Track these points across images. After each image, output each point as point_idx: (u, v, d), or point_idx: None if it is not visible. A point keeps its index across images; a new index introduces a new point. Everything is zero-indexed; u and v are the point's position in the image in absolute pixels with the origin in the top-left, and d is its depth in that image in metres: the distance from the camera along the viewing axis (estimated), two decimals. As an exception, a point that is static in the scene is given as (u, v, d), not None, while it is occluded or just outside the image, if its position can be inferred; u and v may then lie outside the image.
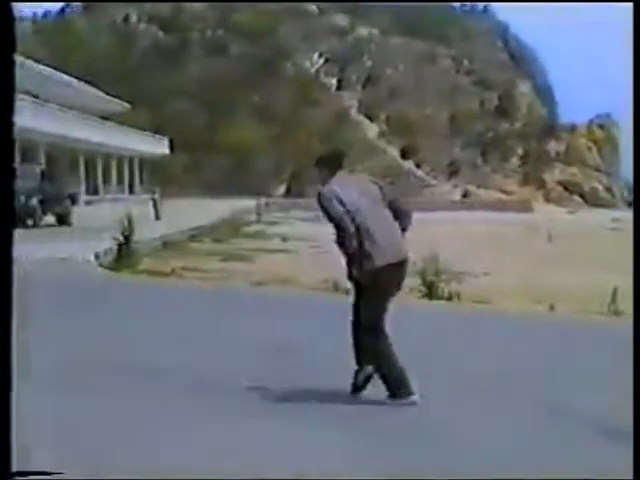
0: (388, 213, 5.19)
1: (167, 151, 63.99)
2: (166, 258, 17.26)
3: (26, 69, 40.12)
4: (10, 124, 3.18)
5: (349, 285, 5.72)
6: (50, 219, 27.66)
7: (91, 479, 3.91)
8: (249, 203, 47.66)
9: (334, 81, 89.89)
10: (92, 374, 6.07)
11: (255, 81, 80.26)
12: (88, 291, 11.28)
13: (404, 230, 5.28)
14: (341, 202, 5.00)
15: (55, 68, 46.86)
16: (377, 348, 5.10)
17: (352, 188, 5.11)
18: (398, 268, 5.10)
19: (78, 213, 29.21)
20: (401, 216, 5.25)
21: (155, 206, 33.98)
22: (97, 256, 15.30)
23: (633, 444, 3.87)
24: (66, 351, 6.86)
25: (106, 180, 54.43)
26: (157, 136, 62.18)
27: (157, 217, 32.76)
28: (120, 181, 57.94)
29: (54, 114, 41.52)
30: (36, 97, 40.34)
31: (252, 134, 73.52)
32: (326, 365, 6.13)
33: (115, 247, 15.35)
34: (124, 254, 15.19)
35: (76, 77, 50.34)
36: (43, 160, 39.91)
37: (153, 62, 79.22)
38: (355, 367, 5.34)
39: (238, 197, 56.01)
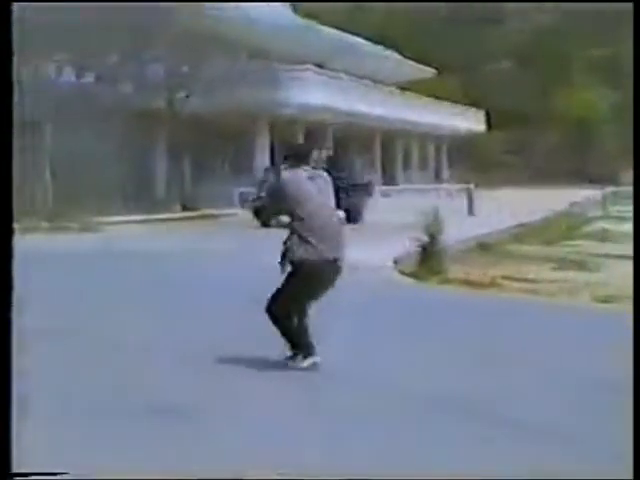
0: (336, 211, 7.40)
1: (483, 127, 64.10)
2: (482, 264, 17.22)
3: (311, 33, 41.97)
4: (9, 122, 3.58)
5: None
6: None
7: (90, 479, 4.45)
8: (591, 193, 46.60)
9: None
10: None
11: (595, 31, 78.32)
12: (386, 306, 11.49)
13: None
14: (300, 189, 7.07)
15: (342, 30, 48.59)
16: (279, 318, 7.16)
17: (311, 180, 7.17)
18: (332, 265, 7.11)
19: (373, 207, 29.98)
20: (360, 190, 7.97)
21: (469, 198, 34.18)
22: (396, 261, 15.57)
23: (633, 444, 4.51)
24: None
25: (406, 166, 55.68)
26: (471, 109, 62.45)
27: (470, 212, 32.94)
28: (423, 167, 58.96)
29: (343, 86, 42.95)
30: (321, 67, 41.98)
31: (594, 103, 71.74)
32: None
33: (418, 250, 15.54)
34: (430, 259, 15.33)
35: (368, 39, 51.90)
36: (331, 143, 41.58)
37: (463, 15, 79.74)
38: None
39: (576, 185, 55.00)
